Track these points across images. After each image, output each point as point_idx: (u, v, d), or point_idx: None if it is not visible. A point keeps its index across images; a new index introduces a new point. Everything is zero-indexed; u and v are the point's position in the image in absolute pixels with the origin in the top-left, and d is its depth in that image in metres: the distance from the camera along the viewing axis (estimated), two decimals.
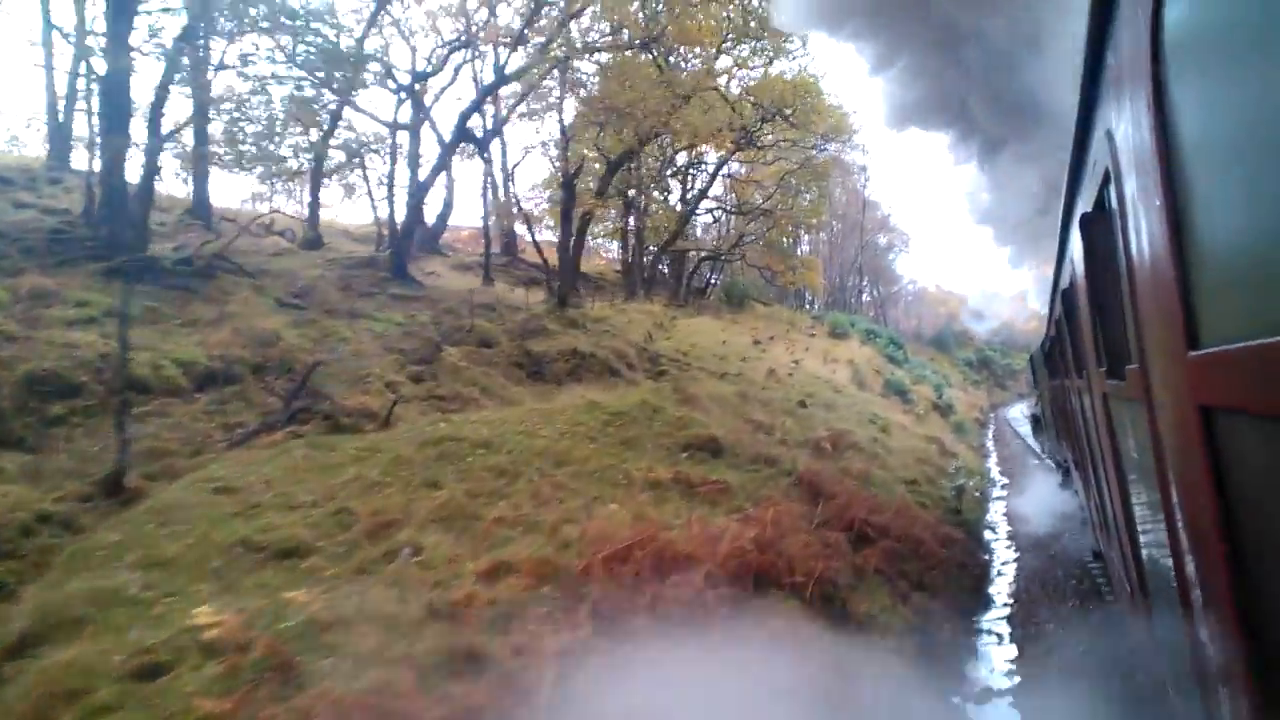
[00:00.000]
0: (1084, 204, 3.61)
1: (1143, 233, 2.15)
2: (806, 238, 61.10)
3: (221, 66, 17.15)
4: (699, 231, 46.88)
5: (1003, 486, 24.48)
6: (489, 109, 22.42)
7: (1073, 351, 6.26)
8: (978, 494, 18.69)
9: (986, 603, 11.60)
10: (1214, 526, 1.73)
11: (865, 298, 72.46)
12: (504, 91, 25.12)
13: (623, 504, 8.63)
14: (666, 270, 40.77)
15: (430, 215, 33.63)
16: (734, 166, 41.74)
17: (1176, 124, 1.72)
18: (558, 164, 22.40)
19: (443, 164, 19.47)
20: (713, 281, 45.30)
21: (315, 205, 20.31)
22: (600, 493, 8.96)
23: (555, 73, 19.71)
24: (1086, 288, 3.97)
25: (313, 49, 16.23)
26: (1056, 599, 10.96)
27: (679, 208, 36.73)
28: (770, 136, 31.49)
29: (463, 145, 33.37)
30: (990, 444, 39.95)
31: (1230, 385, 1.52)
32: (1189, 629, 2.23)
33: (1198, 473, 1.82)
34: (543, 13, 17.80)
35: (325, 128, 20.11)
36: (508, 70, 17.43)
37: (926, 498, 15.67)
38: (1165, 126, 1.78)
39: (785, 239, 43.83)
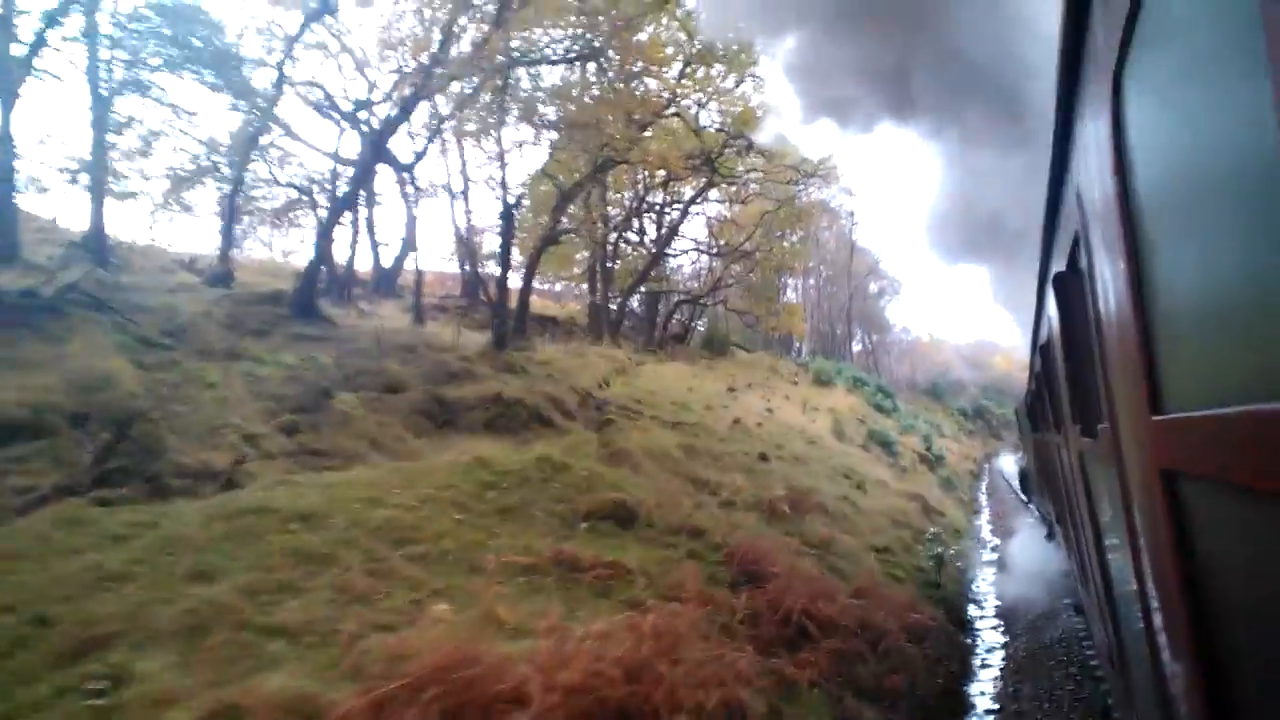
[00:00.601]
0: (1058, 262, 3.65)
1: (1110, 294, 2.21)
2: (793, 283, 59.57)
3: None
4: (683, 273, 45.27)
5: (993, 549, 22.21)
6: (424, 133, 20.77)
7: (1051, 407, 6.29)
8: (960, 564, 16.44)
9: (963, 710, 9.36)
10: (1178, 591, 1.76)
11: (856, 346, 70.67)
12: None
13: (470, 600, 6.49)
14: (642, 313, 38.96)
15: (389, 255, 31.96)
16: (715, 207, 40.28)
17: (1138, 189, 1.78)
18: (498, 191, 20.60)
19: (355, 192, 17.59)
20: (695, 327, 43.48)
21: (228, 237, 18.47)
22: (448, 583, 6.81)
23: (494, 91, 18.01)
24: (1062, 345, 4.01)
25: (191, 50, 14.58)
26: (1052, 712, 8.75)
27: (652, 248, 34.98)
28: (741, 169, 29.84)
29: (428, 185, 31.77)
30: (983, 498, 37.69)
31: (1191, 451, 1.54)
32: (1158, 687, 2.23)
33: (1162, 536, 1.87)
34: (463, 24, 16.13)
35: (241, 156, 18.37)
36: (434, 82, 15.70)
37: (900, 568, 13.47)
38: (1127, 191, 1.85)
39: (771, 282, 41.95)
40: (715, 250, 37.25)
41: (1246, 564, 1.39)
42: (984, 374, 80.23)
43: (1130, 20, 1.61)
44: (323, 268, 25.20)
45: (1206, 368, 1.46)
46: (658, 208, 33.42)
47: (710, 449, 15.51)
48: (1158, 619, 2.12)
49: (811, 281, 61.64)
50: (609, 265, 31.89)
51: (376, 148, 16.24)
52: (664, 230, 32.86)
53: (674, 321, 39.87)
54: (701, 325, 44.33)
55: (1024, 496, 24.31)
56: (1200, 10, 1.25)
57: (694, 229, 41.69)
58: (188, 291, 17.57)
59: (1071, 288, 3.39)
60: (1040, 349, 6.34)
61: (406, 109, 15.97)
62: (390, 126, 16.32)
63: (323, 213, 24.10)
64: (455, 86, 17.87)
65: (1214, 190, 1.28)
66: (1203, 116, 1.31)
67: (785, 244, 38.68)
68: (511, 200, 19.23)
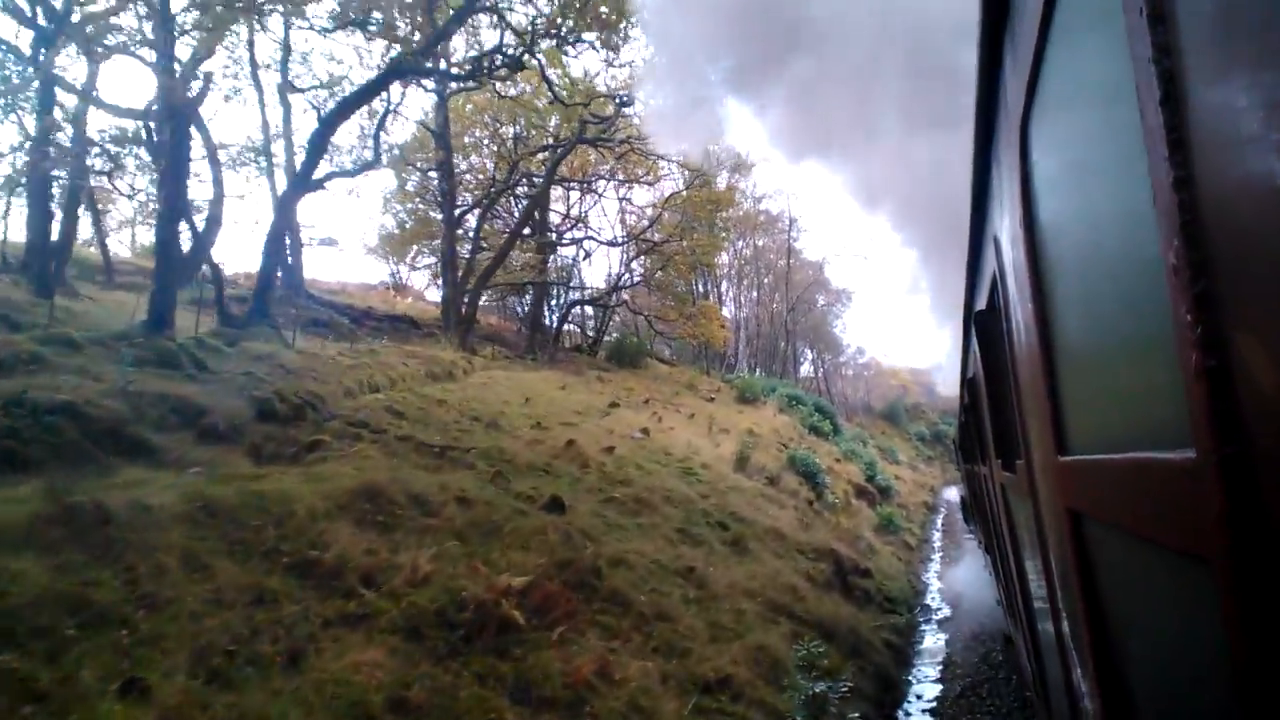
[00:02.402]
0: (980, 300, 3.83)
1: (1022, 337, 2.29)
2: (730, 293, 53.47)
3: None
4: (588, 271, 38.77)
5: (943, 622, 15.89)
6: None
7: (977, 439, 6.56)
8: (865, 682, 9.92)
9: None
10: (1085, 627, 1.82)
11: (807, 368, 64.57)
12: None
13: None
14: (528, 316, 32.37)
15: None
16: (626, 192, 34.02)
17: (1043, 240, 1.85)
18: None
19: None
20: (605, 334, 36.99)
21: None
22: None
23: None
24: (984, 380, 4.12)
25: None
26: None
27: (543, 236, 28.44)
28: (622, 135, 23.54)
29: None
30: (937, 537, 31.57)
31: (1090, 493, 1.61)
32: (1072, 713, 2.32)
33: (1070, 573, 1.94)
34: None
35: None
36: None
37: None
38: (1034, 241, 1.90)
39: (687, 280, 35.49)
40: (616, 240, 30.82)
41: (1140, 606, 1.47)
42: (945, 398, 74.48)
43: (1034, 73, 1.65)
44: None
45: (1102, 413, 1.51)
46: (528, 181, 26.92)
47: (430, 492, 8.88)
48: (1071, 653, 2.17)
49: (755, 295, 55.63)
50: (470, 251, 25.28)
51: None
52: (524, 203, 26.30)
53: (570, 326, 33.28)
54: (609, 333, 37.95)
55: (969, 527, 20.03)
56: (1089, 64, 1.30)
57: (599, 221, 35.24)
58: None
59: (991, 326, 3.45)
60: (967, 383, 6.43)
61: None
62: None
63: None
64: None
65: (1102, 244, 1.35)
66: (1092, 171, 1.37)
67: (705, 235, 32.31)
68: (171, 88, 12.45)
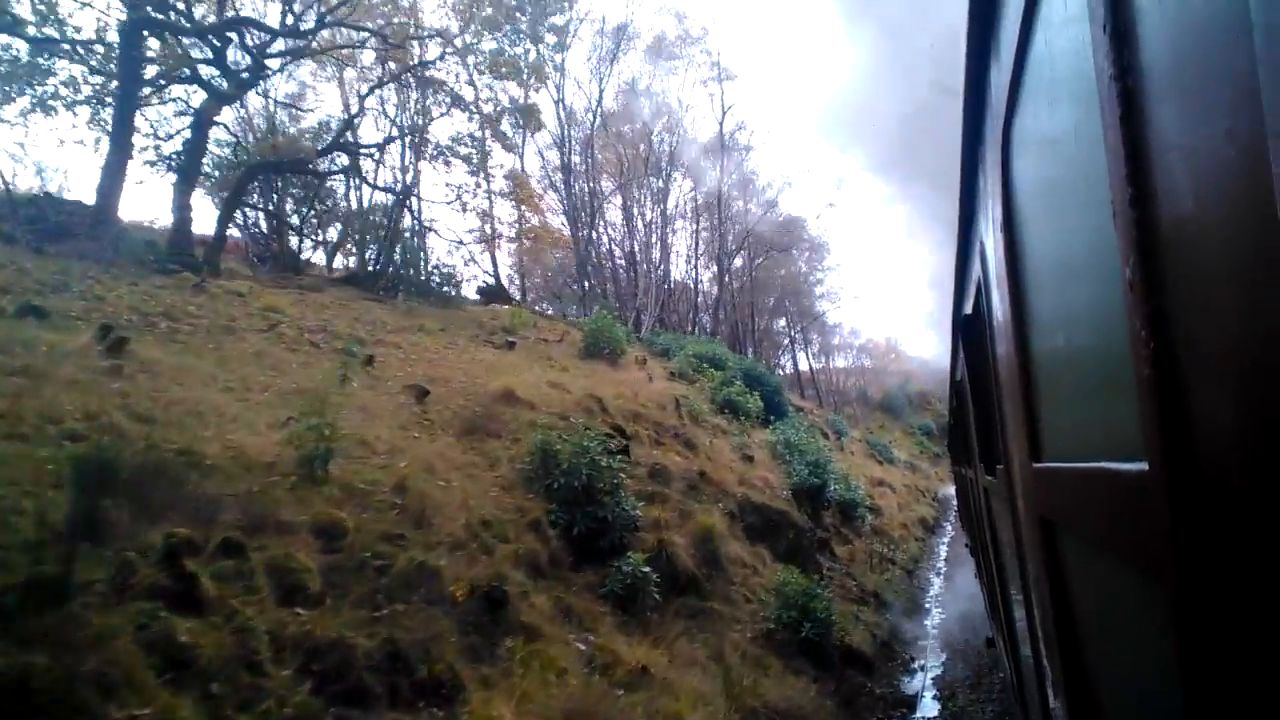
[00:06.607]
0: (966, 306, 3.84)
1: (1002, 342, 2.30)
2: (660, 240, 38.26)
3: None
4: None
5: None
6: None
7: (963, 442, 6.64)
8: None
9: None
10: (1055, 635, 1.84)
11: (792, 358, 49.51)
12: None
13: None
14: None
15: None
16: None
17: (1022, 245, 1.83)
18: None
19: None
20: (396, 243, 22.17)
21: None
22: None
23: None
24: (969, 385, 4.18)
25: None
26: None
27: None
28: None
29: None
30: (935, 599, 16.66)
31: (1060, 500, 1.61)
32: (1044, 717, 2.32)
33: (1042, 579, 1.94)
34: None
35: None
36: None
37: None
38: (1014, 245, 1.89)
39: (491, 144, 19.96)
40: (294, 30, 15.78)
41: (1103, 615, 1.46)
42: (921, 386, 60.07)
43: (1016, 74, 1.61)
44: None
45: (1073, 421, 1.50)
46: None
47: None
48: (1045, 660, 2.15)
49: (690, 240, 40.51)
50: None
51: None
52: None
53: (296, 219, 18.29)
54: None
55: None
56: (1063, 74, 1.28)
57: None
58: None
59: (976, 331, 3.48)
60: (955, 385, 6.52)
61: None
62: None
63: None
64: None
65: (1074, 256, 1.34)
66: (1066, 182, 1.34)
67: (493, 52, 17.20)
68: None
